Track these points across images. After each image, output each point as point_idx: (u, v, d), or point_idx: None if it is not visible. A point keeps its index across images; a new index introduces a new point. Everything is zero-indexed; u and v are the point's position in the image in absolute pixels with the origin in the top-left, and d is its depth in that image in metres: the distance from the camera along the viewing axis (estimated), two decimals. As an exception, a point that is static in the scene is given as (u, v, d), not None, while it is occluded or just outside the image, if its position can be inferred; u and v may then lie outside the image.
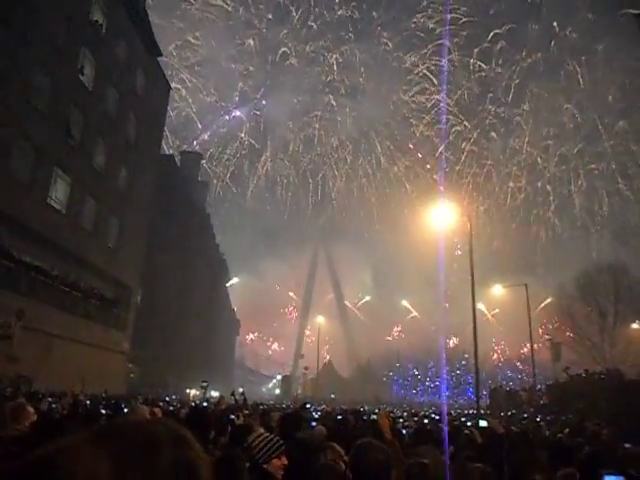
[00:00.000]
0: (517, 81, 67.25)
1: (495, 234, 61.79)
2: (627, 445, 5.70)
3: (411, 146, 74.49)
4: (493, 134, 70.07)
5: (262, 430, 3.57)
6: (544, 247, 65.57)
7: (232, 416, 7.38)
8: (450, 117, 67.60)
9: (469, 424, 10.89)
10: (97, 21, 25.33)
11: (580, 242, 62.81)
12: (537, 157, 69.14)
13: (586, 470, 2.79)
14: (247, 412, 8.54)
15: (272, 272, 76.42)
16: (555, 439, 7.75)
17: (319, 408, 20.80)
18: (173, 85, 41.25)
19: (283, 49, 72.59)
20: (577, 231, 64.32)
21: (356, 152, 77.41)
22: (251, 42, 71.91)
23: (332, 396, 54.74)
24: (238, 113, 75.03)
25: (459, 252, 56.76)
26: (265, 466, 3.10)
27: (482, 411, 21.90)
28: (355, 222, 78.05)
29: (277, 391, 75.05)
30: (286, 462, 3.20)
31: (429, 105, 68.69)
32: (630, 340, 40.62)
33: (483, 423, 7.90)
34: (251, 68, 73.06)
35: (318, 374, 67.14)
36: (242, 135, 74.62)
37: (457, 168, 68.09)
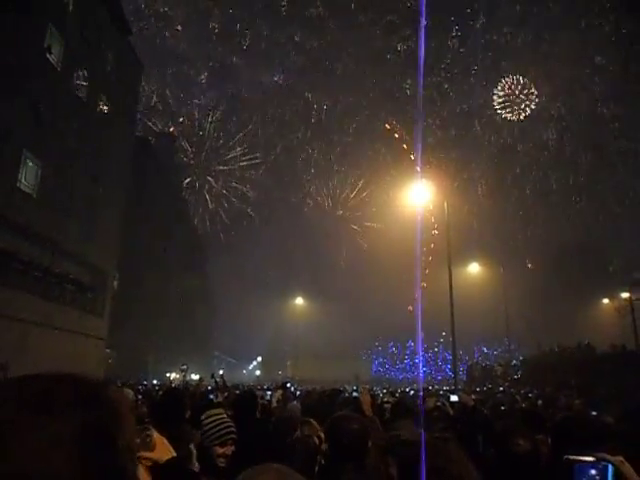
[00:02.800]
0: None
1: (473, 212, 62.44)
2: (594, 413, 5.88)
3: (387, 126, 74.14)
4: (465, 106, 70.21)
5: (219, 410, 3.36)
6: (522, 224, 66.51)
7: (211, 396, 7.40)
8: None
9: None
10: (64, -1, 24.55)
11: (557, 220, 63.81)
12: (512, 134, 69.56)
13: (557, 436, 2.86)
14: (225, 394, 8.55)
15: (252, 255, 76.19)
16: (528, 409, 7.95)
17: (300, 388, 21.00)
18: (146, 65, 40.16)
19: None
20: (554, 208, 65.26)
21: (330, 130, 76.75)
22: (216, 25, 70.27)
23: (312, 376, 55.32)
24: (213, 93, 73.55)
25: (436, 232, 57.38)
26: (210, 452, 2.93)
27: (460, 387, 22.40)
28: (333, 202, 77.85)
29: (257, 373, 75.55)
30: (230, 452, 2.97)
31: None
32: (601, 315, 41.89)
33: (454, 397, 8.09)
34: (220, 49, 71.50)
35: (298, 355, 67.71)
36: (215, 117, 73.28)
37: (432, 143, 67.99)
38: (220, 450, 2.94)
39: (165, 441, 2.03)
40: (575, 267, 52.26)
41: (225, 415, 3.23)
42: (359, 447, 2.33)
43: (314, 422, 3.66)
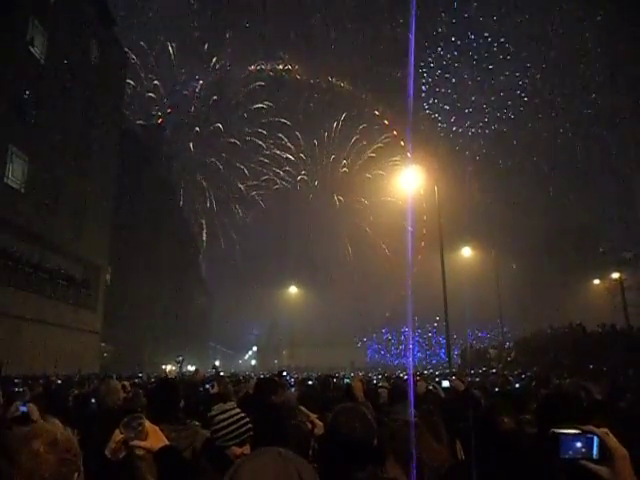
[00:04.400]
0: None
1: (464, 196, 62.51)
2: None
3: (376, 112, 73.90)
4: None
5: (232, 405, 3.07)
6: (513, 207, 66.70)
7: (207, 385, 7.44)
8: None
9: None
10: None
11: (548, 203, 64.06)
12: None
13: (542, 413, 2.91)
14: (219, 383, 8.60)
15: (245, 245, 76.12)
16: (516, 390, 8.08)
17: (295, 375, 21.12)
18: (131, 55, 39.83)
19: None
20: (545, 192, 65.46)
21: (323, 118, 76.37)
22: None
23: (307, 364, 55.57)
24: (200, 82, 72.80)
25: (426, 217, 57.50)
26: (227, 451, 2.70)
27: (454, 370, 22.62)
28: (326, 191, 77.63)
29: (253, 362, 75.82)
30: (248, 452, 2.63)
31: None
32: (592, 295, 42.36)
33: (445, 383, 8.14)
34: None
35: (293, 343, 68.03)
36: (201, 105, 72.50)
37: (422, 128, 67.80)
38: (238, 450, 2.70)
39: (157, 430, 2.05)
40: (566, 249, 52.66)
41: (239, 410, 2.95)
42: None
43: (304, 409, 3.69)
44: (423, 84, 67.21)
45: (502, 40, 66.04)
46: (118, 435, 1.97)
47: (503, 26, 65.80)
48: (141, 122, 61.04)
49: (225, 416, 2.82)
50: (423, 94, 68.35)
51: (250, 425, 2.77)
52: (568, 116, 64.25)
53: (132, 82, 60.37)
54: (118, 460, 2.01)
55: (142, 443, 1.96)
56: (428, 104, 69.04)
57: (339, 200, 77.50)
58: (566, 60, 62.72)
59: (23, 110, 21.77)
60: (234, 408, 2.89)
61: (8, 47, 20.53)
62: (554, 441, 1.40)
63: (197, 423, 3.56)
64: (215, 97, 72.79)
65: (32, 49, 22.77)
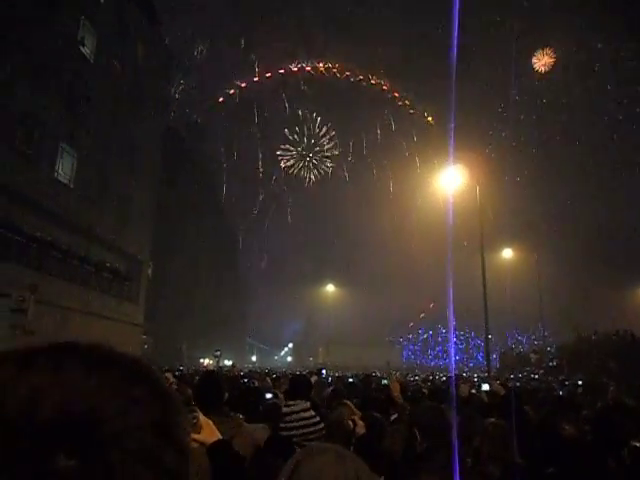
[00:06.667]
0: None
1: (506, 196, 60.94)
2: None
3: (411, 111, 73.10)
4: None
5: (306, 405, 3.17)
6: (558, 208, 64.70)
7: (252, 381, 7.52)
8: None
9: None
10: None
11: (595, 203, 61.83)
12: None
13: (599, 423, 2.79)
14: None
15: (283, 241, 76.66)
16: (566, 397, 7.82)
17: (332, 374, 21.14)
18: (175, 54, 40.59)
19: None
20: (592, 191, 63.17)
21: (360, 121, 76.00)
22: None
23: (344, 363, 55.45)
24: (243, 84, 73.58)
25: (466, 217, 56.49)
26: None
27: (492, 374, 22.16)
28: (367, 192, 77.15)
29: (289, 359, 76.32)
30: None
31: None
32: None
33: (485, 387, 8.04)
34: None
35: (329, 341, 68.08)
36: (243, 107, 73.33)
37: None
38: None
39: (211, 423, 2.06)
40: (612, 251, 50.82)
41: (313, 412, 3.14)
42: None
43: (350, 403, 3.66)
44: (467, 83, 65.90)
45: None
46: None
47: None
48: (184, 120, 62.22)
49: (307, 415, 2.97)
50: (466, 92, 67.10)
51: (322, 424, 2.84)
52: (620, 109, 61.77)
53: (176, 80, 61.72)
54: None
55: (196, 436, 1.98)
56: (471, 102, 67.74)
57: (379, 198, 77.09)
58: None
59: (73, 108, 22.54)
60: (308, 409, 2.94)
61: (60, 47, 21.26)
62: (636, 454, 1.33)
63: (240, 416, 3.60)
64: (255, 96, 73.56)
65: (82, 49, 23.53)
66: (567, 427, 2.67)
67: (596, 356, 22.01)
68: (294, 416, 2.93)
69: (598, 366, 19.73)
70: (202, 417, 2.03)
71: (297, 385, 3.78)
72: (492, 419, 2.79)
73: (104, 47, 25.36)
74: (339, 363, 52.93)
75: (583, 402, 6.26)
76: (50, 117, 20.63)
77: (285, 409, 3.06)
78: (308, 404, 3.23)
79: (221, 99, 69.55)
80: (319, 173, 75.88)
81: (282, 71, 72.19)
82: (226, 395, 3.59)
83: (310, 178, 75.74)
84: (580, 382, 14.08)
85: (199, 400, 3.28)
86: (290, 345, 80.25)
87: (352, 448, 3.20)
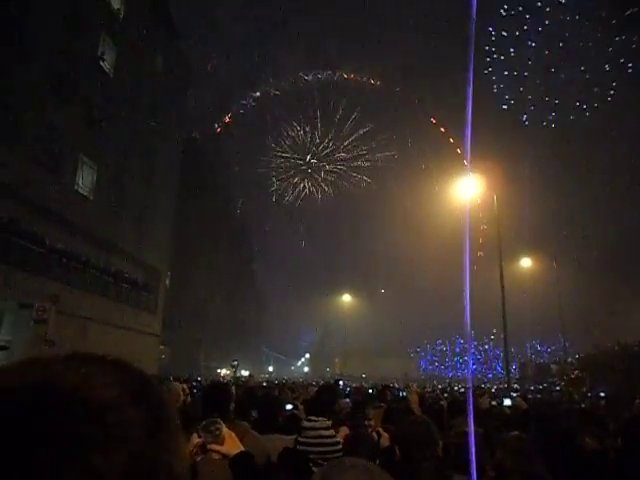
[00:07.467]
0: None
1: (524, 205, 60.20)
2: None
3: (433, 120, 72.91)
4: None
5: (328, 424, 3.15)
6: (578, 216, 63.76)
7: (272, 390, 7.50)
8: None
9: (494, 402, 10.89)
10: (117, 8, 25.52)
11: (614, 212, 60.87)
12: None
13: (626, 436, 2.73)
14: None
15: (299, 252, 76.74)
16: (589, 410, 7.65)
17: (350, 385, 21.01)
18: (194, 66, 41.12)
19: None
20: (610, 200, 62.19)
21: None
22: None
23: (363, 375, 55.07)
24: (257, 94, 74.26)
25: (485, 227, 56.05)
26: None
27: (513, 386, 21.80)
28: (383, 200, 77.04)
29: (305, 369, 76.08)
30: None
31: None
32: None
33: (507, 402, 7.95)
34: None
35: (346, 352, 67.72)
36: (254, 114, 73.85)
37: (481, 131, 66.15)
38: None
39: (234, 435, 2.05)
40: (633, 261, 49.86)
41: (329, 431, 3.12)
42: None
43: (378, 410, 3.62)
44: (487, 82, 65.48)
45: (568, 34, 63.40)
46: (196, 438, 1.99)
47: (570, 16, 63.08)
48: (201, 131, 62.92)
49: (326, 433, 2.96)
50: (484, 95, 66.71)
51: (340, 445, 2.83)
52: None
53: (194, 92, 62.48)
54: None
55: (219, 447, 1.97)
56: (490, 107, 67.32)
57: (396, 209, 76.89)
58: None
59: (93, 121, 22.95)
60: (330, 428, 2.94)
61: (80, 62, 21.72)
62: None
63: (246, 424, 3.61)
64: (271, 107, 74.11)
65: (102, 63, 23.99)
66: (589, 440, 2.61)
67: (618, 367, 21.54)
68: (313, 432, 2.93)
69: (621, 378, 19.28)
70: (225, 429, 2.02)
71: (323, 395, 3.75)
72: (515, 432, 2.75)
73: (123, 61, 25.83)
74: (356, 373, 52.60)
75: (607, 415, 6.12)
76: (70, 130, 21.03)
77: (306, 423, 3.06)
78: (329, 423, 3.23)
79: (228, 119, 70.05)
80: (334, 186, 76.03)
81: (304, 77, 72.63)
82: (233, 404, 3.62)
83: (324, 190, 75.90)
84: (603, 394, 13.78)
85: (206, 407, 3.32)
86: (307, 355, 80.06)
87: (377, 461, 3.17)
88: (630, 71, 59.06)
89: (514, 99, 68.38)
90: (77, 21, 21.30)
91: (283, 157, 74.56)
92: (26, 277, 17.47)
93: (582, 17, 61.64)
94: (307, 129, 75.07)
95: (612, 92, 62.15)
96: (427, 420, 2.51)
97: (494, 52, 67.00)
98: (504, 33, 65.25)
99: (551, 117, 66.42)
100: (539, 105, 67.32)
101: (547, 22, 64.86)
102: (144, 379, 0.62)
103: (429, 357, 76.08)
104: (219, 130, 69.39)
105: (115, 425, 0.50)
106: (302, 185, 75.45)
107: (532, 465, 2.52)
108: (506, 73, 66.82)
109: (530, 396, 10.24)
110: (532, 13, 64.67)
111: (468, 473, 2.32)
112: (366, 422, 4.01)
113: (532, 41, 64.58)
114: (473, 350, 67.88)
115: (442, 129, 72.06)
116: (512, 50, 65.77)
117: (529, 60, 66.52)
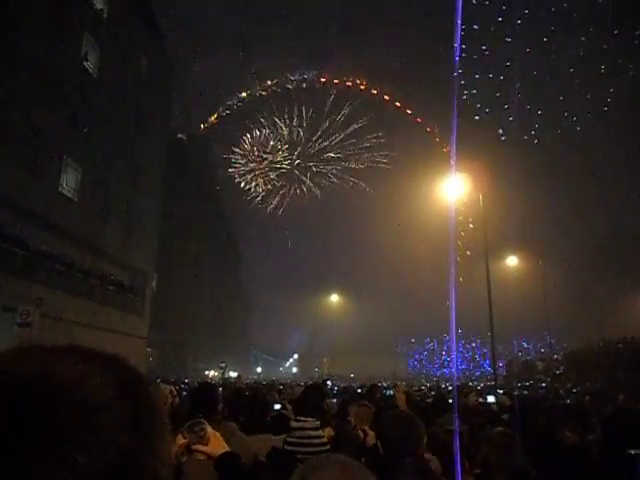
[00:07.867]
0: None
1: (510, 203, 60.71)
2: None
3: (419, 120, 73.21)
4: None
5: (316, 424, 3.13)
6: (562, 214, 64.48)
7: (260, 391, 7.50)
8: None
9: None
10: (100, 8, 25.31)
11: (599, 210, 61.65)
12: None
13: (608, 430, 2.77)
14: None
15: (286, 252, 76.62)
16: (573, 405, 7.75)
17: (338, 385, 21.02)
18: (178, 66, 40.90)
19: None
20: (595, 197, 62.97)
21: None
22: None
23: (352, 375, 55.13)
24: (244, 94, 73.99)
25: (471, 225, 56.47)
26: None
27: (500, 383, 21.98)
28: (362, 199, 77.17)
29: (294, 370, 76.02)
30: None
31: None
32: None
33: (491, 398, 8.01)
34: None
35: (334, 352, 67.83)
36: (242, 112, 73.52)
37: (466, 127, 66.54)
38: None
39: (219, 435, 2.05)
40: (618, 256, 50.51)
41: (319, 432, 3.13)
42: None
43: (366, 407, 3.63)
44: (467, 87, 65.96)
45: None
46: (181, 439, 1.98)
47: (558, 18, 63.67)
48: (187, 132, 62.54)
49: (314, 434, 2.97)
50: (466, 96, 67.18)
51: (328, 445, 2.85)
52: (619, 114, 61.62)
53: (178, 93, 62.13)
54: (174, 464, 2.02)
55: (204, 448, 1.97)
56: (474, 109, 67.79)
57: (382, 208, 77.11)
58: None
59: (77, 122, 22.72)
60: (318, 429, 2.95)
61: (63, 63, 21.50)
62: (632, 462, 1.32)
63: (234, 425, 3.62)
64: (257, 107, 73.91)
65: (86, 64, 23.76)
66: (569, 434, 2.65)
67: (603, 364, 21.83)
68: (302, 432, 2.94)
69: (606, 374, 19.55)
70: (209, 429, 2.02)
71: (310, 395, 3.76)
72: (499, 428, 2.77)
73: (107, 61, 25.60)
74: (344, 373, 52.67)
75: (591, 410, 6.20)
76: (54, 131, 20.80)
77: (295, 424, 3.07)
78: (318, 423, 3.26)
79: (214, 119, 69.67)
80: (319, 186, 75.97)
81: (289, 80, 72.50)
82: (221, 405, 3.63)
83: (310, 191, 75.78)
84: (583, 390, 13.98)
85: (194, 408, 3.32)
86: (295, 356, 79.99)
87: (363, 460, 3.18)
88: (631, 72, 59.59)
89: (494, 105, 68.73)
90: (60, 21, 21.08)
91: (266, 159, 74.26)
92: (9, 280, 17.26)
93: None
94: (293, 129, 74.90)
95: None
96: (410, 414, 2.52)
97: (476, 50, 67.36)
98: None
99: (536, 125, 66.95)
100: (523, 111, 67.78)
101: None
102: (139, 379, 0.63)
103: (417, 356, 76.44)
104: (204, 130, 69.08)
105: (105, 427, 0.51)
106: (287, 187, 75.29)
107: (517, 460, 2.54)
108: (491, 75, 67.25)
109: (516, 393, 10.34)
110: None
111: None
112: (348, 418, 4.02)
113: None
114: (461, 349, 68.35)
115: (428, 129, 72.41)
116: (486, 49, 66.09)
117: (507, 62, 66.99)
